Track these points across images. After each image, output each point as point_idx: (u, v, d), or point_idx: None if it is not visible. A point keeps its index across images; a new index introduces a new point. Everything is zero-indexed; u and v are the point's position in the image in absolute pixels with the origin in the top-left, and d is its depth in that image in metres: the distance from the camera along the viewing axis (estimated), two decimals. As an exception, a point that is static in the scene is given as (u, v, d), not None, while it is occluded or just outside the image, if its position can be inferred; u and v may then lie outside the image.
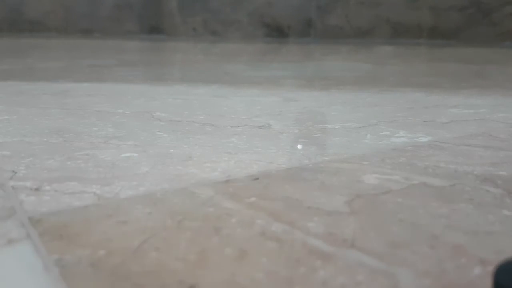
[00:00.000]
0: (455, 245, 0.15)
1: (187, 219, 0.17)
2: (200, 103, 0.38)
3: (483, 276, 0.13)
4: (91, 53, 0.91)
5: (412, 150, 0.26)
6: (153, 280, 0.13)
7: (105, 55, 0.87)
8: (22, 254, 0.14)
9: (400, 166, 0.23)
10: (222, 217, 0.17)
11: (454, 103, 0.39)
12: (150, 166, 0.22)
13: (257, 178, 0.21)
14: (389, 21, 1.26)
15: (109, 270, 0.13)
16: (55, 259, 0.14)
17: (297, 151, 0.25)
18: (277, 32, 1.33)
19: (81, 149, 0.25)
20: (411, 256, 0.14)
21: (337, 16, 1.32)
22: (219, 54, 0.94)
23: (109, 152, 0.24)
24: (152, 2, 1.40)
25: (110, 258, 0.14)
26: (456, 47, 0.97)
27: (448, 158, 0.24)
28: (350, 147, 0.26)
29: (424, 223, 0.17)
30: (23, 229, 0.16)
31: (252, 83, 0.51)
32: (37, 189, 0.19)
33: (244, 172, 0.22)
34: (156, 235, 0.15)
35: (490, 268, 0.13)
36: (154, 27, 1.41)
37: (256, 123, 0.31)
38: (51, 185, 0.20)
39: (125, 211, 0.17)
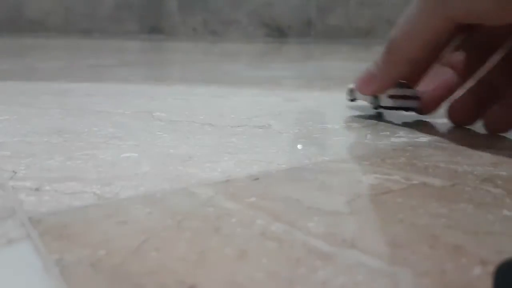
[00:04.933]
0: (455, 245, 0.15)
1: (187, 219, 0.17)
2: (200, 103, 0.38)
3: (483, 276, 0.13)
4: (91, 53, 0.91)
5: (412, 150, 0.26)
6: (153, 280, 0.13)
7: (105, 55, 0.87)
8: (22, 254, 0.14)
9: (400, 166, 0.23)
10: (222, 217, 0.17)
11: (454, 103, 0.39)
12: (150, 166, 0.22)
13: (257, 178, 0.21)
14: (389, 21, 1.26)
15: (109, 270, 0.13)
16: (55, 259, 0.14)
17: (297, 151, 0.25)
18: (277, 32, 1.33)
19: (81, 149, 0.25)
20: (411, 256, 0.14)
21: (337, 16, 1.32)
22: (219, 54, 0.94)
23: (109, 152, 0.24)
24: (152, 2, 1.40)
25: (110, 258, 0.14)
26: (456, 47, 0.97)
27: (448, 158, 0.24)
28: (350, 147, 0.26)
29: (424, 223, 0.17)
30: (23, 229, 0.16)
31: (252, 83, 0.51)
32: (37, 189, 0.19)
33: (244, 172, 0.22)
34: (156, 235, 0.15)
35: (490, 268, 0.13)
36: (154, 27, 1.41)
37: (256, 123, 0.31)
38: (51, 185, 0.20)
39: (125, 211, 0.17)
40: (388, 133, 0.29)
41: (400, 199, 0.19)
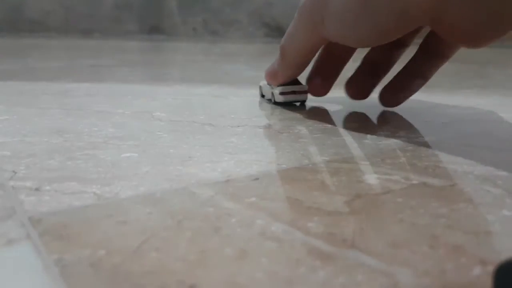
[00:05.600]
0: (455, 245, 0.15)
1: (187, 219, 0.17)
2: (200, 103, 0.38)
3: (483, 276, 0.13)
4: (91, 53, 0.91)
5: (412, 150, 0.26)
6: (153, 280, 0.13)
7: (105, 55, 0.87)
8: (22, 254, 0.14)
9: (400, 166, 0.23)
10: (222, 217, 0.17)
11: (454, 103, 0.39)
12: (150, 166, 0.22)
13: (257, 178, 0.21)
14: (389, 21, 1.25)
15: (109, 270, 0.13)
16: (55, 259, 0.14)
17: (297, 151, 0.25)
18: (277, 32, 1.32)
19: (81, 149, 0.25)
20: (411, 256, 0.14)
21: (337, 16, 1.32)
22: (219, 54, 0.94)
23: (109, 152, 0.24)
24: (152, 2, 1.40)
25: (110, 258, 0.14)
26: (456, 47, 0.97)
27: (448, 158, 0.24)
28: (350, 147, 0.26)
29: (424, 223, 0.17)
30: (23, 229, 0.16)
31: (252, 83, 0.51)
32: (37, 189, 0.19)
33: (244, 172, 0.22)
34: (156, 235, 0.15)
35: (490, 268, 0.13)
36: (154, 27, 1.41)
37: (256, 123, 0.31)
38: (51, 185, 0.20)
39: (125, 211, 0.17)
40: (388, 133, 0.29)
41: (400, 199, 0.19)
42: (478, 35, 0.26)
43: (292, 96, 0.36)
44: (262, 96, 0.40)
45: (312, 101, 0.40)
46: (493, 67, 0.67)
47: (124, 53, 0.93)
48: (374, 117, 0.34)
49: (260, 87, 0.40)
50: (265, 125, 0.31)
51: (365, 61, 0.35)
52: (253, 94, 0.43)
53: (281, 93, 0.36)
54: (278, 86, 0.36)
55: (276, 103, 0.37)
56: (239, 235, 0.16)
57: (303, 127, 0.30)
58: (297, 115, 0.34)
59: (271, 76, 0.35)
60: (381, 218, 0.17)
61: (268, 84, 0.38)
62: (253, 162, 0.23)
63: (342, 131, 0.30)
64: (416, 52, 0.35)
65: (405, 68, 0.34)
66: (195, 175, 0.21)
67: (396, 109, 0.36)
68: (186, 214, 0.17)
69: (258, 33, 1.35)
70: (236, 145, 0.26)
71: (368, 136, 0.28)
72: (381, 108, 0.36)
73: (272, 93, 0.37)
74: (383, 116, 0.35)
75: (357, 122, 0.32)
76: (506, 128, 0.31)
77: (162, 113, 0.34)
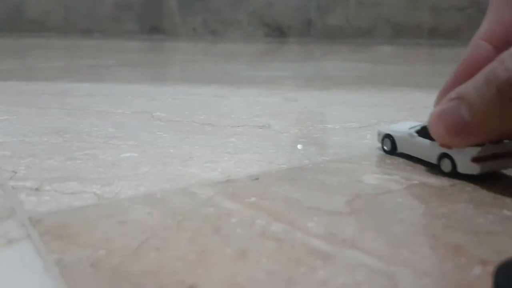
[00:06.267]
0: (455, 245, 0.15)
1: (187, 219, 0.17)
2: (200, 103, 0.38)
3: (483, 276, 0.13)
4: (91, 53, 0.91)
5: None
6: (153, 280, 0.13)
7: (105, 55, 0.87)
8: (22, 254, 0.14)
9: (400, 166, 0.23)
10: (222, 217, 0.17)
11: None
12: (150, 166, 0.22)
13: (257, 178, 0.21)
14: (389, 21, 1.26)
15: (109, 270, 0.13)
16: (55, 259, 0.14)
17: (297, 151, 0.25)
18: (277, 32, 1.33)
19: (81, 149, 0.25)
20: (411, 256, 0.14)
21: (337, 16, 1.32)
22: (219, 54, 0.94)
23: (109, 152, 0.24)
24: (152, 2, 1.40)
25: (110, 258, 0.14)
26: (456, 47, 0.97)
27: (448, 158, 0.24)
28: (350, 147, 0.26)
29: (424, 223, 0.17)
30: (23, 229, 0.16)
31: (252, 83, 0.51)
32: (37, 189, 0.19)
33: (244, 172, 0.22)
34: (156, 235, 0.15)
35: (490, 268, 0.13)
36: (154, 27, 1.41)
37: (256, 123, 0.31)
38: (51, 185, 0.20)
39: (125, 211, 0.17)
40: (388, 133, 0.29)
41: (400, 199, 0.19)
42: None
43: (493, 164, 0.21)
44: (391, 150, 0.24)
45: (311, 102, 0.40)
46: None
47: (124, 53, 0.93)
48: (374, 117, 0.34)
49: (389, 137, 0.24)
50: (265, 125, 0.31)
51: None
52: (253, 94, 0.43)
53: (476, 159, 0.20)
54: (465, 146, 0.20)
55: (455, 173, 0.21)
56: (239, 235, 0.16)
57: (303, 127, 0.30)
58: (297, 115, 0.34)
59: (458, 131, 0.19)
60: (381, 218, 0.17)
61: (423, 135, 0.23)
62: (253, 162, 0.23)
63: (342, 131, 0.30)
64: None
65: None
66: (195, 175, 0.21)
67: (395, 109, 0.36)
68: (186, 214, 0.17)
69: (258, 33, 1.35)
70: (236, 145, 0.26)
71: (368, 136, 0.28)
72: (380, 108, 0.36)
73: (447, 157, 0.21)
74: (383, 116, 0.34)
75: (356, 122, 0.32)
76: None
77: (162, 113, 0.34)
